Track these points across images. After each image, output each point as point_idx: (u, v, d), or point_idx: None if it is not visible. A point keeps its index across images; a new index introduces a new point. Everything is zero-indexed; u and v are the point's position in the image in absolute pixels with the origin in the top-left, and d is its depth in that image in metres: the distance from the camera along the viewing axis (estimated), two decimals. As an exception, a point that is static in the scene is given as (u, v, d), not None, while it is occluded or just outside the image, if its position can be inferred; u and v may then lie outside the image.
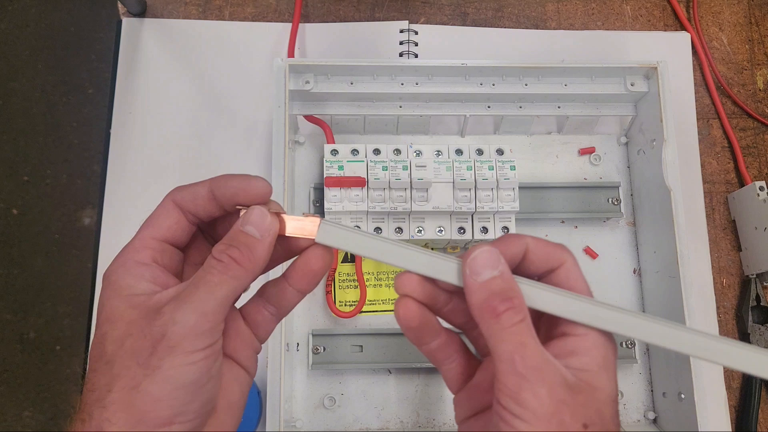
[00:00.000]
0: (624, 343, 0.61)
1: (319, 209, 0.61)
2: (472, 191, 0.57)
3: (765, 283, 0.65)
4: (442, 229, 0.58)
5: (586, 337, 0.29)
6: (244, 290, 0.31)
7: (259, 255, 0.30)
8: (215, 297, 0.28)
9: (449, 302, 0.32)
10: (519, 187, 0.58)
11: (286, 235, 0.32)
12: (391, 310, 0.62)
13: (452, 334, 0.33)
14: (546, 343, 0.29)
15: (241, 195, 0.31)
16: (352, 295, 0.62)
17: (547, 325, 0.31)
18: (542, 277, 0.31)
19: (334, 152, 0.58)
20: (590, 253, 0.64)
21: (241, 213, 0.31)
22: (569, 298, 0.29)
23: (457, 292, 0.31)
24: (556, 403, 0.27)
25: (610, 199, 0.64)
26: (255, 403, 0.58)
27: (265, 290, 0.34)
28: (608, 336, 0.29)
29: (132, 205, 0.64)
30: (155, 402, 0.27)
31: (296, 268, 0.33)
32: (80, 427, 0.27)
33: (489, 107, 0.63)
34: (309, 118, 0.62)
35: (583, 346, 0.29)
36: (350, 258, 0.62)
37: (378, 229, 0.57)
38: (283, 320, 0.52)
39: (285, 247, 0.33)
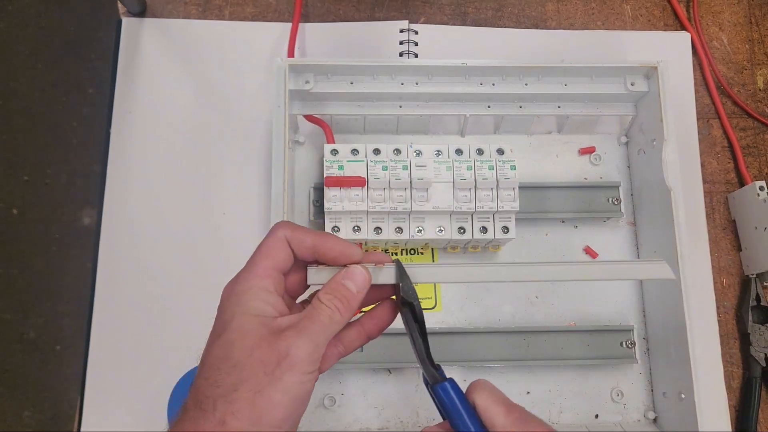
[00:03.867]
0: (624, 343, 0.61)
1: (319, 209, 0.61)
2: (472, 191, 0.57)
3: (765, 283, 0.65)
4: (442, 229, 0.58)
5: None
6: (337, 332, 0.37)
7: (355, 306, 0.37)
8: (325, 334, 0.36)
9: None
10: (519, 187, 0.58)
11: (373, 284, 0.39)
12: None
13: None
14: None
15: (341, 258, 0.38)
16: (352, 295, 0.62)
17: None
18: None
19: (334, 152, 0.58)
20: (590, 252, 0.64)
21: (344, 269, 0.38)
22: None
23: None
24: None
25: (610, 199, 0.64)
26: None
27: (340, 332, 0.39)
28: None
29: (132, 205, 0.64)
30: (274, 407, 0.33)
31: (372, 318, 0.40)
32: (201, 415, 0.32)
33: (489, 107, 0.62)
34: (309, 118, 0.62)
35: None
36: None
37: (378, 229, 0.57)
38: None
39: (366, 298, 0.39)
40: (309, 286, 0.40)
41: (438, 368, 0.39)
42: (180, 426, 0.33)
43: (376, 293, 0.39)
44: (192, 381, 0.35)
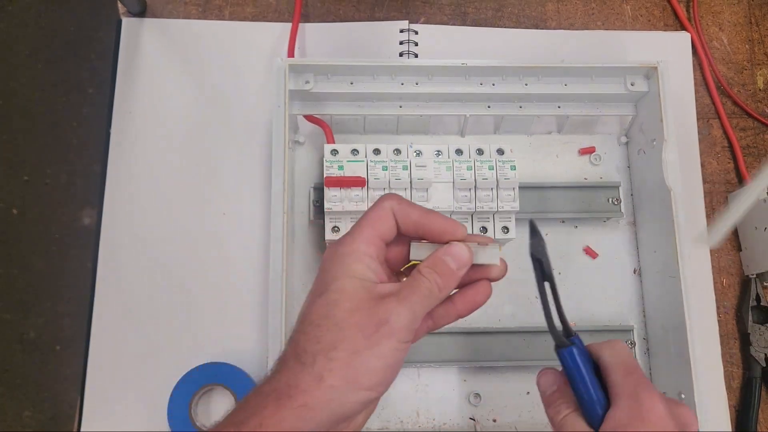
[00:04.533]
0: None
1: (319, 209, 0.61)
2: (472, 191, 0.57)
3: (765, 283, 0.65)
4: (442, 229, 0.58)
5: (625, 411, 0.38)
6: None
7: (453, 283, 0.38)
8: (423, 305, 0.36)
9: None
10: (519, 187, 0.58)
11: (474, 263, 0.39)
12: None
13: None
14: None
15: (445, 235, 0.38)
16: (352, 295, 0.62)
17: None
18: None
19: (334, 152, 0.58)
20: (590, 253, 0.64)
21: (446, 246, 0.38)
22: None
23: None
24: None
25: (610, 199, 0.64)
26: None
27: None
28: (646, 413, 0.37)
29: (132, 205, 0.64)
30: (368, 370, 0.34)
31: (465, 297, 0.40)
32: (300, 368, 0.33)
33: (489, 107, 0.62)
34: (309, 118, 0.62)
35: (622, 420, 0.38)
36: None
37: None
38: (284, 319, 0.52)
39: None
40: (409, 261, 0.40)
41: (567, 332, 0.41)
42: (279, 375, 0.34)
43: (476, 273, 0.39)
44: (291, 335, 0.36)
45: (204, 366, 0.59)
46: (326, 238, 0.57)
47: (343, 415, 0.34)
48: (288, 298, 0.55)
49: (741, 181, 0.69)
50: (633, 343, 0.61)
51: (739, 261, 0.67)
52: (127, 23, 0.69)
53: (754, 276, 0.65)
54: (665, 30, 0.73)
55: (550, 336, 0.60)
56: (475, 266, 0.39)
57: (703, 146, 0.69)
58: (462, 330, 0.61)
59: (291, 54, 0.66)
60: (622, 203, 0.64)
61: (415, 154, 0.59)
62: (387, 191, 0.56)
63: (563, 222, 0.65)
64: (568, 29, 0.72)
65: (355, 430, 0.36)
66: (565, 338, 0.41)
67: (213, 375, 0.59)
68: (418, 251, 0.39)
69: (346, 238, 0.37)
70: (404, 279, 0.40)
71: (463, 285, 0.40)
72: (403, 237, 0.40)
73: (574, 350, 0.40)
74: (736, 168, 0.69)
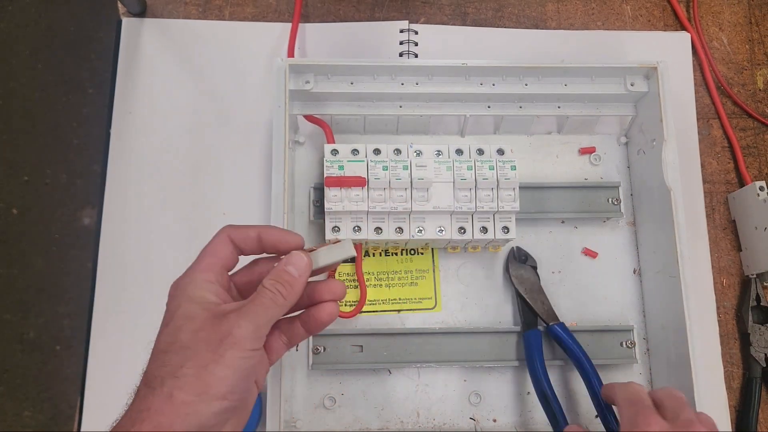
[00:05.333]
0: (624, 343, 0.61)
1: (319, 209, 0.61)
2: (473, 191, 0.57)
3: (765, 283, 0.65)
4: (442, 229, 0.58)
5: None
6: (282, 315, 0.40)
7: (297, 289, 0.40)
8: (266, 315, 0.38)
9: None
10: (519, 187, 0.58)
11: (321, 265, 0.43)
12: (391, 311, 0.62)
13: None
14: None
15: (283, 244, 0.42)
16: (352, 295, 0.62)
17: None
18: None
19: (334, 152, 0.58)
20: (590, 253, 0.64)
21: (286, 256, 0.41)
22: None
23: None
24: None
25: (610, 199, 0.64)
26: (255, 404, 0.58)
27: (280, 324, 0.43)
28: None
29: (132, 205, 0.64)
30: (218, 380, 0.35)
31: (310, 315, 0.43)
32: (150, 392, 0.35)
33: (489, 107, 0.63)
34: (309, 118, 0.62)
35: None
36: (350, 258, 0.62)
37: (378, 229, 0.57)
38: (283, 320, 0.52)
39: (307, 297, 0.43)
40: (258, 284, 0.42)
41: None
42: (131, 406, 0.36)
43: (322, 294, 0.43)
44: (145, 366, 0.37)
45: None
46: (326, 238, 0.57)
47: (203, 427, 0.35)
48: (288, 298, 0.55)
49: (741, 181, 0.69)
50: (633, 343, 0.61)
51: (739, 261, 0.67)
52: (127, 23, 0.69)
53: (754, 276, 0.65)
54: (665, 30, 0.73)
55: (549, 336, 0.60)
56: (321, 288, 0.43)
57: (703, 146, 0.70)
58: (462, 330, 0.61)
59: (291, 54, 0.66)
60: (622, 203, 0.64)
61: (415, 154, 0.59)
62: (387, 191, 0.57)
63: (563, 222, 0.65)
64: (568, 29, 0.72)
65: None
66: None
67: None
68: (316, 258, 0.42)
69: (187, 271, 0.40)
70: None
71: (313, 303, 0.43)
72: (252, 266, 0.44)
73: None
74: (736, 168, 0.69)
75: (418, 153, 0.59)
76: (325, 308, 0.43)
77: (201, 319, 0.37)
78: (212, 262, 0.40)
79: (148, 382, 0.36)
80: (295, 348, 0.59)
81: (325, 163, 0.57)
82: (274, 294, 0.39)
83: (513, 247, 0.63)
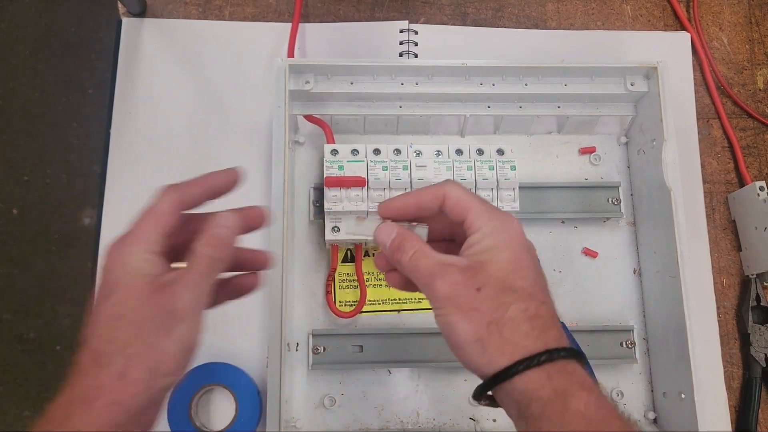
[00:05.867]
0: (624, 343, 0.61)
1: (319, 209, 0.61)
2: (473, 191, 0.57)
3: (765, 283, 0.65)
4: (442, 229, 0.58)
5: (478, 232, 0.39)
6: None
7: (229, 249, 0.40)
8: (206, 282, 0.38)
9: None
10: (519, 187, 0.58)
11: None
12: (391, 311, 0.62)
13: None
14: (461, 249, 0.40)
15: (221, 188, 0.43)
16: (352, 295, 0.62)
17: (461, 239, 0.40)
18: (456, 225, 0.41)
19: (334, 152, 0.58)
20: (590, 253, 0.64)
21: (213, 216, 0.40)
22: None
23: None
24: (451, 285, 0.37)
25: (610, 199, 0.64)
26: (255, 402, 0.58)
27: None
28: (500, 227, 0.40)
29: (132, 205, 0.64)
30: (168, 357, 0.35)
31: (232, 282, 0.44)
32: (99, 370, 0.34)
33: (489, 107, 0.63)
34: (309, 118, 0.62)
35: (475, 239, 0.39)
36: (350, 258, 0.62)
37: (378, 229, 0.57)
38: (283, 321, 0.52)
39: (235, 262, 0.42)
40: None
41: None
42: (79, 381, 0.35)
43: (249, 263, 0.44)
44: (84, 339, 0.36)
45: (203, 366, 0.59)
46: (326, 238, 0.57)
47: (151, 402, 0.35)
48: (288, 298, 0.55)
49: (741, 181, 0.69)
50: (633, 343, 0.61)
51: (739, 261, 0.67)
52: (127, 23, 0.69)
53: (754, 276, 0.65)
54: (665, 30, 0.73)
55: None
56: (247, 256, 0.43)
57: (703, 146, 0.69)
58: (462, 330, 0.61)
59: (291, 54, 0.66)
60: (622, 203, 0.64)
61: (415, 154, 0.59)
62: (387, 191, 0.57)
63: (563, 222, 0.65)
64: (568, 29, 0.72)
65: (158, 409, 0.38)
66: None
67: (212, 375, 0.59)
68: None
69: (127, 237, 0.38)
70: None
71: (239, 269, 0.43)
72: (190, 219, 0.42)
73: None
74: (736, 168, 0.69)
75: (418, 153, 0.59)
76: (248, 279, 0.43)
77: (145, 294, 0.36)
78: (154, 231, 0.38)
79: (97, 359, 0.35)
80: (296, 347, 0.59)
81: (325, 163, 0.57)
82: (208, 258, 0.38)
83: None
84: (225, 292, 0.43)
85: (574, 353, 0.36)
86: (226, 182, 0.43)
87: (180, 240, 0.41)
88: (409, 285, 0.42)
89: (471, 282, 0.37)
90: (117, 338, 0.35)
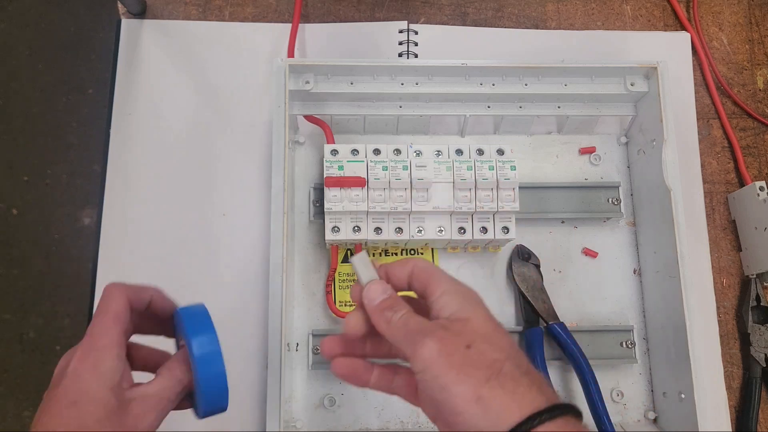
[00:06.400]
0: (624, 343, 0.61)
1: (319, 209, 0.61)
2: (473, 191, 0.57)
3: (765, 283, 0.65)
4: (442, 229, 0.58)
5: (445, 295, 0.38)
6: None
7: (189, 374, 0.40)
8: (171, 406, 0.39)
9: (365, 344, 0.42)
10: (519, 187, 0.58)
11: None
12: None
13: (385, 365, 0.42)
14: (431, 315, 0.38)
15: (164, 312, 0.42)
16: (352, 295, 0.62)
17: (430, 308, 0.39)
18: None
19: (334, 152, 0.58)
20: (590, 253, 0.64)
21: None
22: None
23: (369, 335, 0.40)
24: (441, 342, 0.35)
25: (610, 199, 0.64)
26: (219, 378, 0.40)
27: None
28: (462, 287, 0.38)
29: (132, 205, 0.64)
30: None
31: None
32: None
33: (489, 107, 0.63)
34: (309, 118, 0.62)
35: (444, 300, 0.38)
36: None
37: (378, 230, 0.57)
38: (283, 321, 0.52)
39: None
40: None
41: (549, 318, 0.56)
42: None
43: None
44: None
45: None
46: (326, 238, 0.57)
47: None
48: (288, 298, 0.55)
49: (741, 181, 0.69)
50: (633, 343, 0.61)
51: (739, 261, 0.67)
52: (127, 24, 0.69)
53: (754, 276, 0.65)
54: (665, 30, 0.73)
55: (549, 336, 0.60)
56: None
57: (703, 146, 0.69)
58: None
59: (291, 54, 0.66)
60: (622, 203, 0.64)
61: (415, 154, 0.59)
62: (387, 191, 0.57)
63: (563, 222, 0.65)
64: (568, 29, 0.72)
65: None
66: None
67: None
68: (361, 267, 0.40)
69: (90, 340, 0.37)
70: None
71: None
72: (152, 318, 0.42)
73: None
74: (736, 168, 0.69)
75: (418, 153, 0.59)
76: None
77: (110, 408, 0.35)
78: (116, 333, 0.38)
79: None
80: (296, 347, 0.59)
81: (325, 163, 0.57)
82: (183, 385, 0.39)
83: (516, 246, 0.63)
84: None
85: (577, 409, 0.35)
86: (166, 307, 0.42)
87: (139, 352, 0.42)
88: (376, 344, 0.41)
89: (459, 339, 0.35)
90: None
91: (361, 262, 0.40)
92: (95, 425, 0.34)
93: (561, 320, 0.60)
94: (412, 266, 0.40)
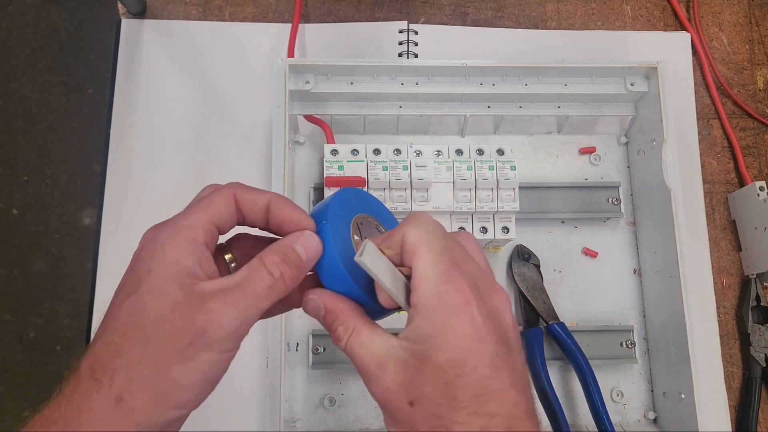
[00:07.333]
0: (624, 343, 0.61)
1: (319, 209, 0.61)
2: (473, 191, 0.57)
3: (765, 283, 0.65)
4: (442, 229, 0.58)
5: (422, 309, 0.30)
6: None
7: (301, 277, 0.31)
8: (258, 306, 0.30)
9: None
10: (519, 187, 0.58)
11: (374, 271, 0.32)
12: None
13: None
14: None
15: (290, 225, 0.32)
16: (352, 295, 0.62)
17: None
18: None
19: (334, 152, 0.58)
20: (590, 253, 0.64)
21: (294, 234, 0.32)
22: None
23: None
24: (384, 392, 0.30)
25: (610, 199, 0.64)
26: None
27: None
28: (446, 293, 0.30)
29: (132, 205, 0.64)
30: (180, 388, 0.28)
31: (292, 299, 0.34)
32: (95, 387, 0.28)
33: (489, 107, 0.62)
34: (309, 118, 0.62)
35: (417, 320, 0.30)
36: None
37: (378, 229, 0.57)
38: (284, 320, 0.52)
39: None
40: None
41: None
42: (69, 395, 0.28)
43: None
44: (95, 336, 0.29)
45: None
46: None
47: None
48: (288, 298, 0.54)
49: (741, 181, 0.69)
50: (633, 343, 0.61)
51: (739, 261, 0.67)
52: (127, 24, 0.69)
53: (754, 276, 0.65)
54: (665, 30, 0.73)
55: (549, 335, 0.60)
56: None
57: (703, 146, 0.69)
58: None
59: (291, 54, 0.66)
60: (622, 203, 0.64)
61: (415, 154, 0.59)
62: (387, 191, 0.57)
63: (563, 222, 0.65)
64: (568, 29, 0.72)
65: None
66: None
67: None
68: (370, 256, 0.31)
69: (170, 221, 0.31)
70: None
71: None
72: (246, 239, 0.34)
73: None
74: (736, 168, 0.69)
75: (418, 153, 0.59)
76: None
77: (172, 301, 0.28)
78: (204, 219, 0.30)
79: (95, 371, 0.28)
80: (296, 347, 0.59)
81: (325, 163, 0.57)
82: (274, 279, 0.30)
83: (516, 246, 0.63)
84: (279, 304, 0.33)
85: None
86: (293, 219, 0.33)
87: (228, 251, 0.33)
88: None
89: (404, 391, 0.29)
90: (125, 351, 0.28)
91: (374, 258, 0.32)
92: (154, 323, 0.28)
93: (561, 320, 0.60)
94: (401, 237, 0.32)
